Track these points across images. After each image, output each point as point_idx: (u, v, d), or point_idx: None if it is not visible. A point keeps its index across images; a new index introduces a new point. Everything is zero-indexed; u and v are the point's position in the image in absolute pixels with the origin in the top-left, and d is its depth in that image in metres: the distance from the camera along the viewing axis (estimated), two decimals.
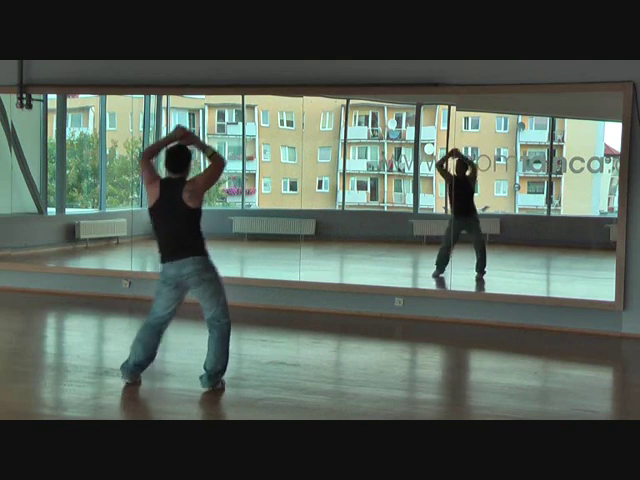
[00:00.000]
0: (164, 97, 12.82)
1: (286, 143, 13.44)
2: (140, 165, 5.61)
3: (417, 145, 11.71)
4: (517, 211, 11.09)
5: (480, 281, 8.86)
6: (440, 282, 8.82)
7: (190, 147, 5.50)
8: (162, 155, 5.63)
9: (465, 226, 9.06)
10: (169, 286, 5.39)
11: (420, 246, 11.22)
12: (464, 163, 9.10)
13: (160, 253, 5.43)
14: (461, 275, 8.29)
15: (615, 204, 7.83)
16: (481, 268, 8.91)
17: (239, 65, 7.74)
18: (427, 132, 11.79)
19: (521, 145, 10.78)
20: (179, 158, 5.41)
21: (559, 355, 6.91)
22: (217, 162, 5.48)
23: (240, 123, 14.36)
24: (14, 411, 5.00)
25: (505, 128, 11.24)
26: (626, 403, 5.76)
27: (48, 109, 10.90)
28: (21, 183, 10.37)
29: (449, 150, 9.40)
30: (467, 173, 9.08)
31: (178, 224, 5.37)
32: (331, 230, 11.78)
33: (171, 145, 5.49)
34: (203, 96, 13.32)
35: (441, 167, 9.29)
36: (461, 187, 9.05)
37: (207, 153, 5.48)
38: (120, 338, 7.42)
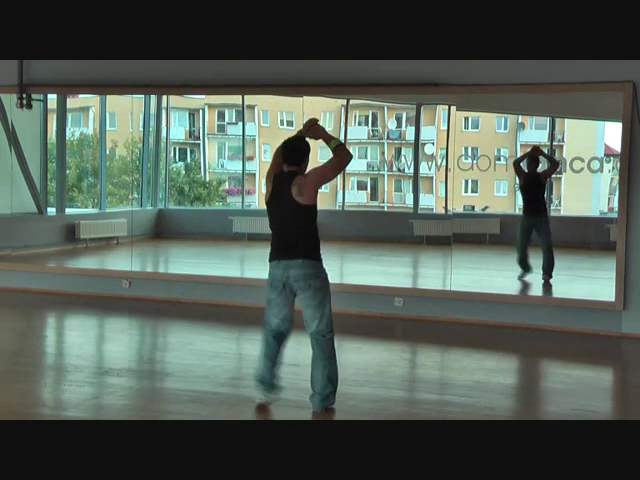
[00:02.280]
0: (164, 97, 12.83)
1: None
2: (272, 160, 5.21)
3: (417, 145, 11.71)
4: (517, 211, 11.08)
5: (547, 284, 8.69)
6: (523, 283, 8.81)
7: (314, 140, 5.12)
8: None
9: (535, 224, 8.97)
10: (276, 289, 5.00)
11: (420, 246, 11.22)
12: (537, 160, 9.08)
13: (270, 251, 5.06)
14: (461, 275, 8.28)
15: (615, 204, 7.83)
16: (548, 270, 8.67)
17: (239, 65, 7.74)
18: (427, 132, 11.79)
19: (521, 145, 10.77)
20: (295, 149, 5.04)
21: (559, 355, 6.90)
22: (340, 155, 5.00)
23: (240, 123, 14.37)
24: (14, 411, 5.00)
25: (505, 128, 11.24)
26: (626, 403, 5.76)
27: (48, 109, 10.90)
28: (21, 183, 10.37)
29: (532, 148, 9.36)
30: (539, 170, 9.07)
31: (287, 221, 4.99)
32: (331, 230, 11.79)
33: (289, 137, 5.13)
34: (203, 96, 13.33)
35: (518, 164, 9.18)
36: (532, 185, 9.04)
37: (331, 145, 5.03)
38: (120, 338, 7.44)
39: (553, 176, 9.74)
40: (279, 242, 5.03)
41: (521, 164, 9.15)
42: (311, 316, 4.99)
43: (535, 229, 9.00)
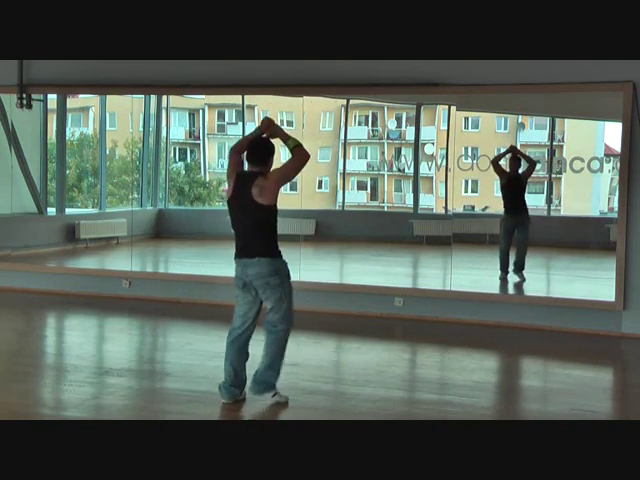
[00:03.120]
0: (164, 97, 12.82)
1: None
2: (229, 159, 5.32)
3: (417, 145, 11.70)
4: None
5: (520, 281, 8.79)
6: (504, 283, 8.83)
7: (274, 139, 5.21)
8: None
9: (518, 224, 9.02)
10: (239, 288, 5.13)
11: (420, 246, 11.21)
12: (518, 160, 9.13)
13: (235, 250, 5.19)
14: (461, 275, 8.29)
15: (615, 204, 7.83)
16: (520, 267, 8.79)
17: (239, 65, 7.74)
18: (427, 132, 11.78)
19: (521, 145, 10.77)
20: (258, 150, 5.11)
21: (559, 355, 6.90)
22: (298, 156, 5.08)
23: (240, 123, 14.36)
24: (14, 411, 5.00)
25: (505, 128, 11.23)
26: (626, 403, 5.76)
27: (48, 109, 10.89)
28: (21, 183, 10.37)
29: (508, 147, 9.48)
30: (520, 171, 9.10)
31: (247, 220, 5.08)
32: (331, 230, 11.77)
33: (253, 137, 5.23)
34: (203, 96, 13.32)
35: (497, 164, 9.22)
36: (514, 185, 9.05)
37: (289, 145, 5.11)
38: (120, 338, 7.44)
39: (553, 176, 9.75)
40: (239, 241, 5.15)
41: (500, 163, 9.16)
42: (270, 308, 5.16)
43: (517, 228, 9.04)
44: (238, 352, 5.22)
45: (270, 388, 5.23)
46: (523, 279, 8.85)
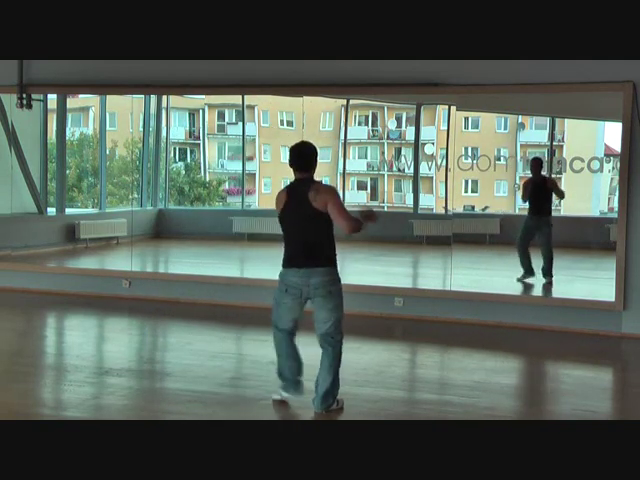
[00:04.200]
0: (164, 97, 12.84)
1: (286, 143, 13.45)
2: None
3: (417, 145, 11.71)
4: (517, 211, 11.08)
5: (549, 285, 8.69)
6: (525, 285, 8.79)
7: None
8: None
9: (536, 227, 9.00)
10: (292, 295, 5.01)
11: (420, 246, 11.22)
12: (541, 163, 9.15)
13: (285, 258, 5.05)
14: (461, 275, 8.29)
15: (615, 204, 7.83)
16: (548, 273, 8.69)
17: (239, 65, 7.74)
18: (427, 132, 11.79)
19: (521, 145, 10.78)
20: (306, 156, 5.04)
21: (559, 355, 6.91)
22: (354, 223, 4.89)
23: (240, 123, 14.38)
24: (14, 411, 5.01)
25: (505, 128, 11.24)
26: (626, 403, 5.76)
27: (48, 109, 10.90)
28: (21, 183, 10.38)
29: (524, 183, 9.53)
30: (544, 173, 9.12)
31: (306, 227, 4.97)
32: None
33: (295, 143, 5.15)
34: (203, 96, 13.34)
35: (525, 190, 9.28)
36: (536, 188, 9.04)
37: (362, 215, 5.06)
38: (120, 338, 7.44)
39: (553, 176, 9.76)
40: (299, 249, 5.00)
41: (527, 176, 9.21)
42: (323, 318, 5.04)
43: (537, 230, 9.01)
44: (290, 345, 5.20)
45: (335, 401, 5.14)
46: (551, 284, 8.76)
